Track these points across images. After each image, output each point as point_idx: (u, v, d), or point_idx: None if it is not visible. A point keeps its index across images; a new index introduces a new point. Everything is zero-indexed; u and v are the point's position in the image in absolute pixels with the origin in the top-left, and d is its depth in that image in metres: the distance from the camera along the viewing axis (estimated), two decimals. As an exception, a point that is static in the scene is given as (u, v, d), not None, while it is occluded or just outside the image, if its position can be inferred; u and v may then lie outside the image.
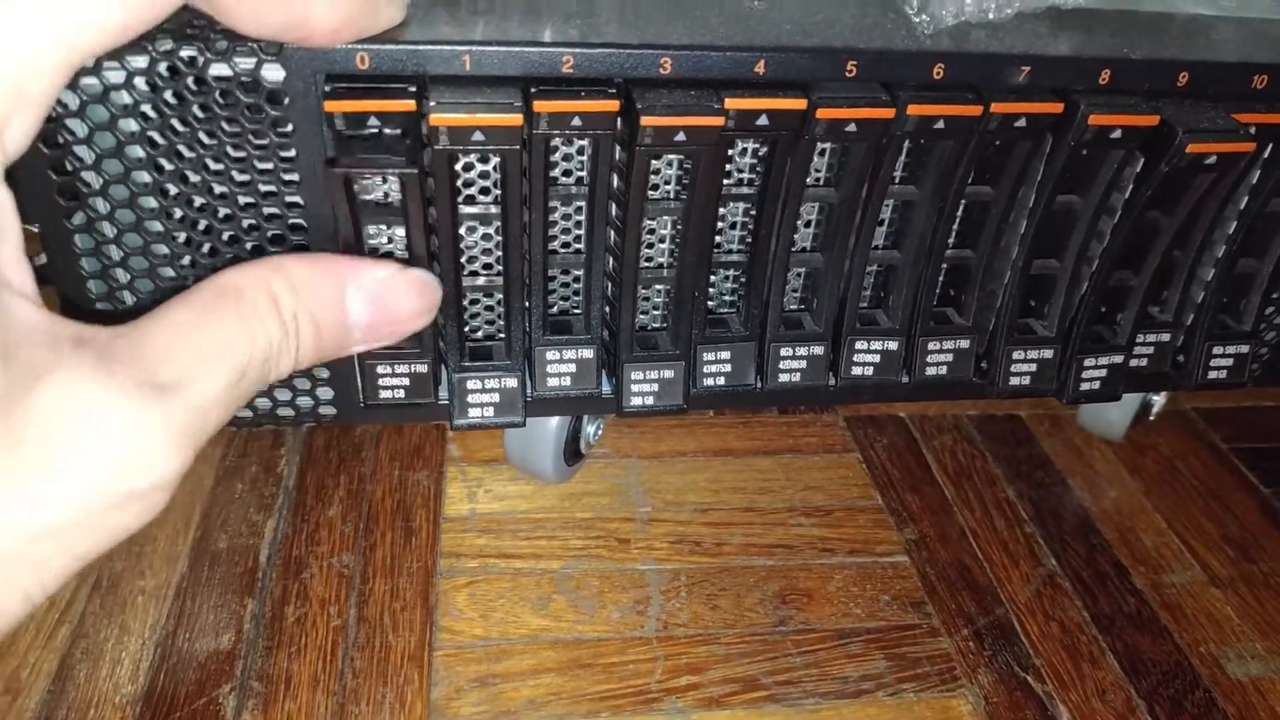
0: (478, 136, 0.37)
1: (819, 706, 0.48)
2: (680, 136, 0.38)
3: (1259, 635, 0.54)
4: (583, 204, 0.44)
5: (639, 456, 0.63)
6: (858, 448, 0.65)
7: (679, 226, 0.44)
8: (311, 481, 0.59)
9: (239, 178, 0.40)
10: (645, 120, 0.38)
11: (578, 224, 0.45)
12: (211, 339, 0.29)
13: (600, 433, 0.60)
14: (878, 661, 0.51)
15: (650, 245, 0.47)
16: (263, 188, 0.40)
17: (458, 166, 0.42)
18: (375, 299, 0.34)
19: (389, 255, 0.44)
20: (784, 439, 0.65)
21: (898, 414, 0.68)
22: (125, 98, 0.37)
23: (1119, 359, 0.50)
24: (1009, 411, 0.69)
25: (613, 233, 0.43)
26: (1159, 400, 0.64)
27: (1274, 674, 0.52)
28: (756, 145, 0.44)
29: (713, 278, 0.49)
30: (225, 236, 0.41)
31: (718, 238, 0.47)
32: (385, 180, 0.41)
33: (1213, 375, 0.52)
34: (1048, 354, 0.49)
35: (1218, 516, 0.63)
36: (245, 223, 0.41)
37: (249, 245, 0.41)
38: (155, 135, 0.38)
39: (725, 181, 0.45)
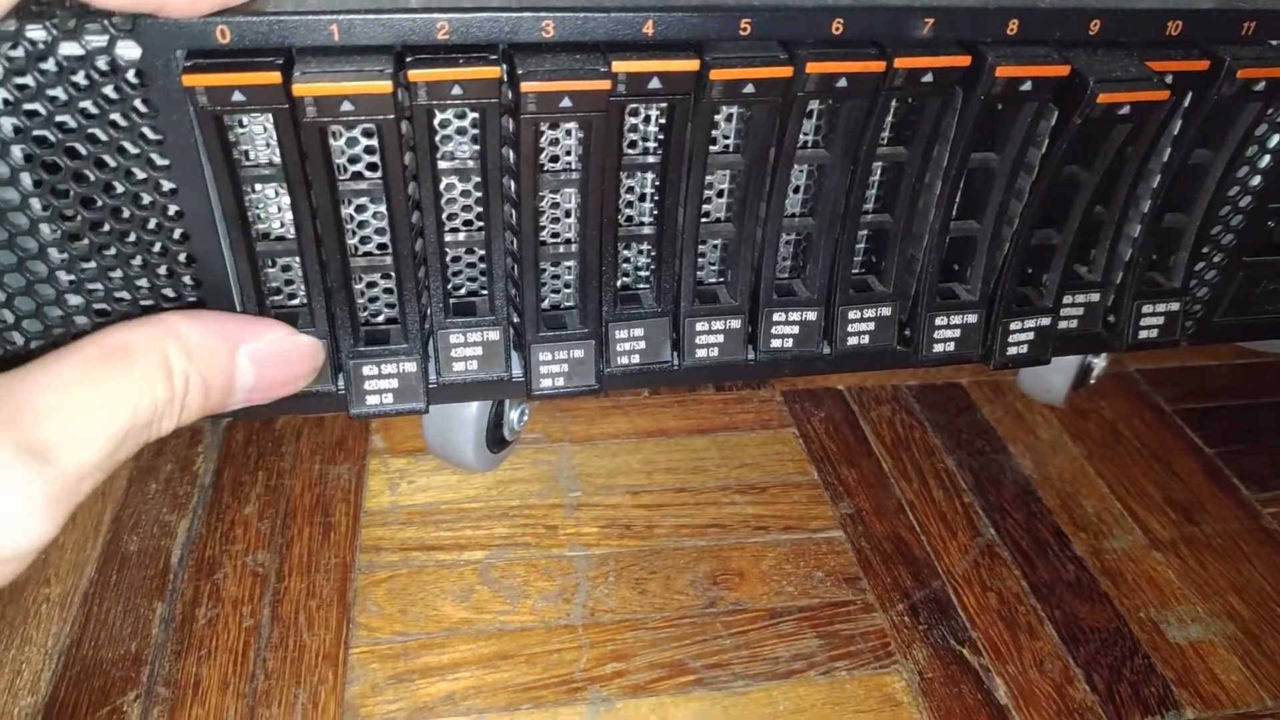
0: (347, 107, 0.35)
1: (748, 689, 0.47)
2: (566, 102, 0.37)
3: (1199, 598, 0.54)
4: (478, 178, 0.42)
5: (570, 440, 0.61)
6: (794, 422, 0.64)
7: (580, 200, 0.42)
8: (228, 479, 0.57)
9: (108, 163, 0.37)
10: (527, 86, 0.36)
11: (477, 200, 0.44)
12: (96, 400, 0.28)
13: (526, 418, 0.58)
14: (810, 640, 0.49)
15: (555, 220, 0.45)
16: (137, 174, 0.38)
17: (340, 141, 0.40)
18: (263, 363, 0.34)
19: (280, 238, 0.42)
20: (720, 417, 0.64)
21: (835, 386, 0.67)
22: (-28, 81, 0.35)
23: (1046, 321, 0.48)
24: (949, 380, 0.68)
25: (510, 209, 0.41)
26: (1100, 363, 0.63)
27: (1214, 636, 0.51)
28: (658, 113, 0.43)
29: (626, 252, 0.47)
30: (102, 228, 0.39)
31: (629, 210, 0.46)
32: (265, 130, 0.39)
33: (1144, 335, 0.50)
34: (972, 319, 0.47)
35: (1160, 479, 0.62)
36: (118, 209, 0.39)
37: (128, 237, 0.39)
38: (14, 122, 0.36)
39: (630, 150, 0.44)
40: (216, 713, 0.45)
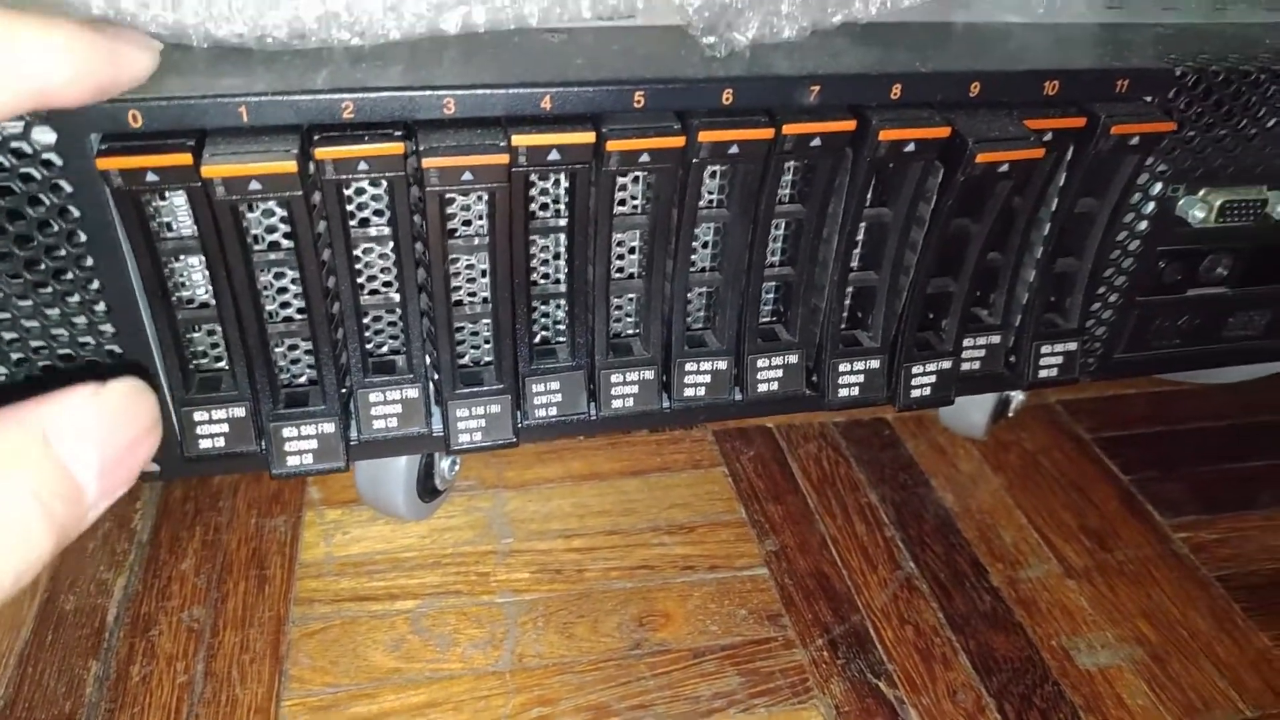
0: (255, 185, 0.36)
1: (671, 729, 0.48)
2: (468, 176, 0.38)
3: (1110, 624, 0.56)
4: (392, 244, 0.44)
5: (505, 486, 0.62)
6: (724, 461, 0.65)
7: (489, 263, 0.44)
8: (165, 535, 0.58)
9: (31, 240, 0.39)
10: (428, 162, 0.38)
11: (393, 263, 0.45)
12: None
13: (458, 467, 0.59)
14: (731, 679, 0.51)
15: (473, 280, 0.47)
16: (59, 250, 0.39)
17: (256, 213, 0.42)
18: (87, 437, 0.25)
19: (203, 304, 0.44)
20: (653, 458, 0.66)
21: (765, 424, 0.69)
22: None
23: (948, 364, 0.51)
24: (875, 415, 0.70)
25: (423, 271, 0.43)
26: (1019, 396, 0.66)
27: (1122, 661, 0.53)
28: (565, 177, 0.44)
29: (545, 306, 0.49)
30: (25, 300, 0.40)
31: (545, 267, 0.48)
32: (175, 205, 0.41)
33: (1044, 374, 0.53)
34: (874, 364, 0.49)
35: (1077, 507, 0.64)
36: (40, 284, 0.40)
37: (50, 309, 0.40)
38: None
39: (543, 213, 0.45)
40: (148, 770, 0.45)
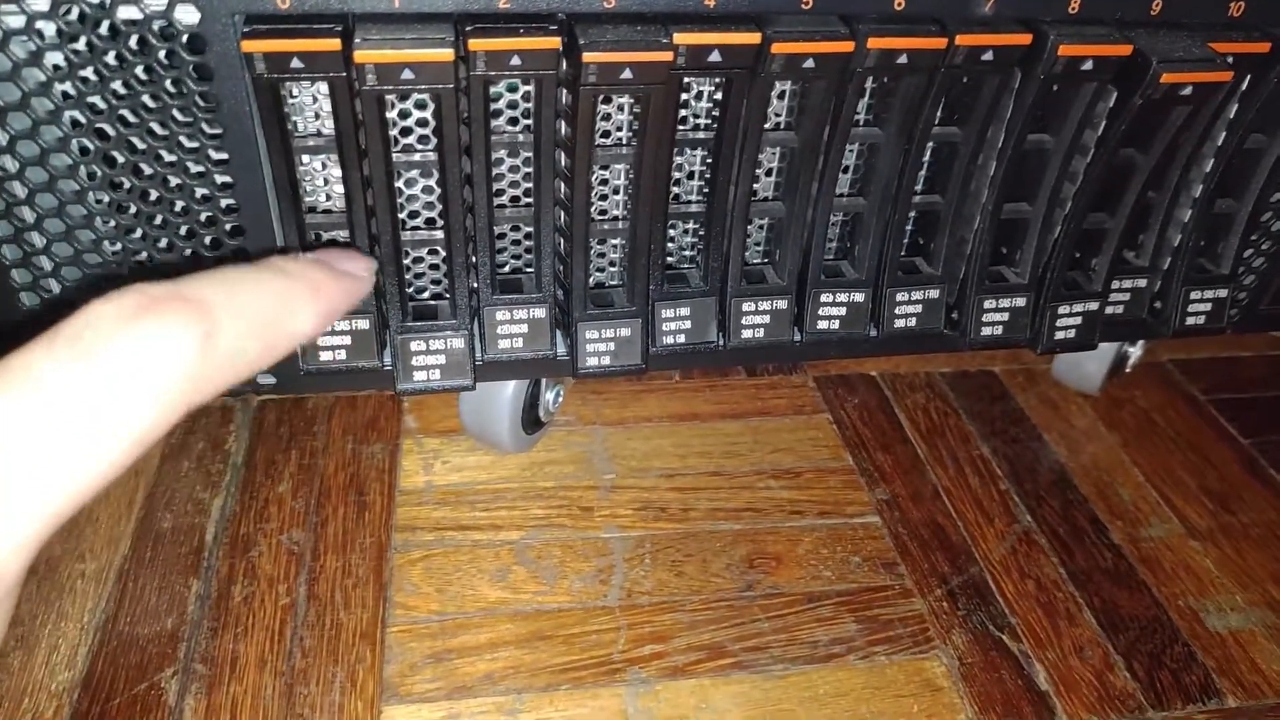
0: (407, 75, 0.34)
1: (787, 672, 0.46)
2: (626, 74, 0.36)
3: (1238, 587, 0.53)
4: (529, 153, 0.41)
5: (603, 423, 0.61)
6: (828, 408, 0.63)
7: (632, 175, 0.42)
8: (261, 457, 0.56)
9: (159, 132, 0.37)
10: (588, 57, 0.35)
11: (526, 176, 0.43)
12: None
13: (560, 399, 0.58)
14: (848, 625, 0.49)
15: (603, 197, 0.45)
16: (186, 144, 0.37)
17: (393, 113, 0.40)
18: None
19: (326, 210, 0.42)
20: (752, 402, 0.64)
21: (869, 373, 0.66)
22: (29, 45, 0.34)
23: (1094, 306, 0.48)
24: (983, 367, 0.68)
25: (562, 184, 0.41)
26: (1136, 351, 0.63)
27: (1254, 625, 0.51)
28: (711, 87, 0.42)
29: (671, 230, 0.47)
30: (151, 197, 0.38)
31: (675, 188, 0.45)
32: (315, 101, 0.38)
33: (1190, 321, 0.50)
34: (1020, 302, 0.47)
35: (1196, 468, 0.61)
36: (171, 181, 0.38)
37: (178, 205, 0.39)
38: (67, 90, 0.36)
39: (681, 126, 0.43)
40: (254, 690, 0.44)
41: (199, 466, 0.56)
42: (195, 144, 0.38)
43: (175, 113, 0.37)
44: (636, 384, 0.64)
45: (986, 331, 0.47)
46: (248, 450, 0.57)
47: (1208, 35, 0.42)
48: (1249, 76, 0.43)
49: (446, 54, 0.34)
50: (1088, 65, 0.40)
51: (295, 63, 0.35)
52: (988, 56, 0.39)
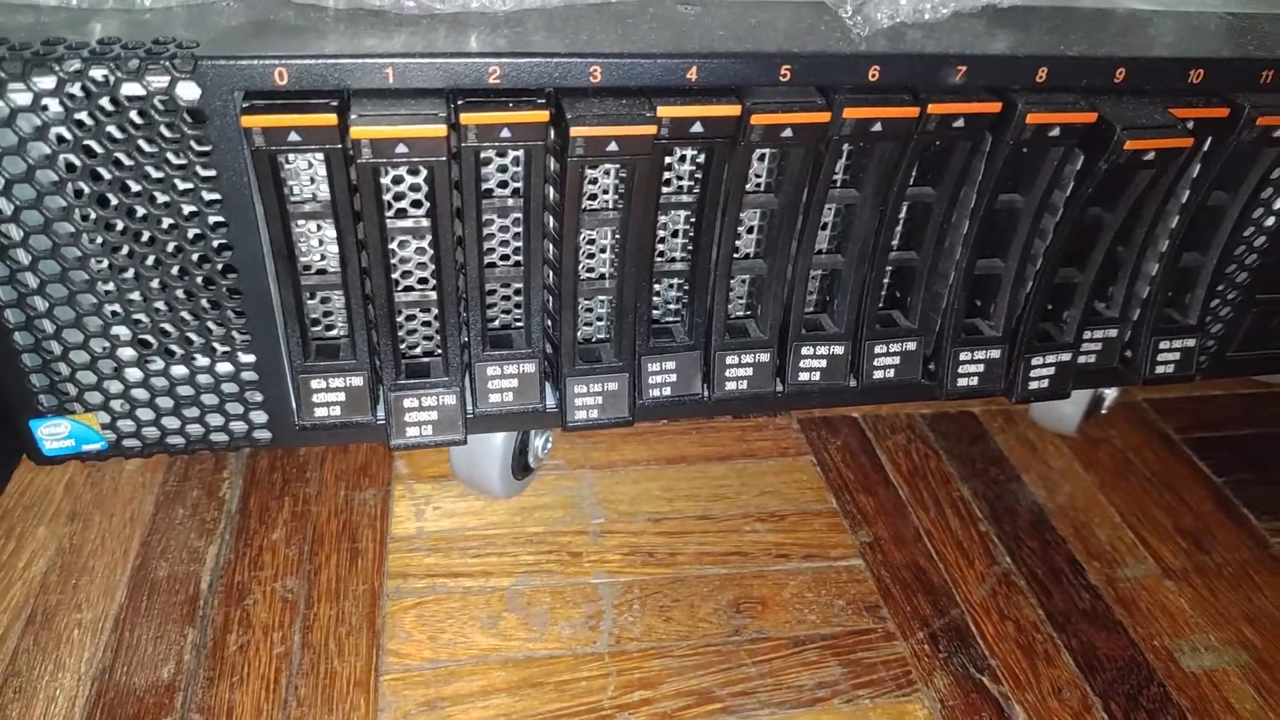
0: (401, 149, 0.36)
1: (774, 716, 0.48)
2: (613, 146, 0.38)
3: (1212, 626, 0.55)
4: (519, 216, 0.43)
5: (591, 467, 0.62)
6: (811, 450, 0.64)
7: (618, 237, 0.43)
8: (255, 505, 0.57)
9: (159, 199, 0.38)
10: (576, 131, 0.37)
11: (515, 236, 0.44)
12: None
13: (550, 445, 0.59)
14: (833, 668, 0.50)
15: (591, 256, 0.46)
16: (185, 209, 0.39)
17: (386, 179, 0.41)
18: None
19: (320, 271, 0.43)
20: (737, 444, 0.65)
21: (851, 415, 0.68)
22: (34, 120, 0.36)
23: (1067, 356, 0.50)
24: (962, 408, 0.69)
25: (550, 245, 0.42)
26: (1111, 393, 0.64)
27: (1227, 665, 0.52)
28: (694, 152, 0.44)
29: (656, 286, 0.48)
30: (148, 261, 0.40)
31: (660, 246, 0.47)
32: (310, 166, 0.40)
33: (1160, 370, 0.52)
34: (995, 354, 0.48)
35: (1171, 508, 0.63)
36: (168, 245, 0.39)
37: (173, 269, 0.40)
38: (70, 158, 0.37)
39: (665, 189, 0.44)
40: (251, 739, 0.45)
41: (194, 514, 0.57)
42: (194, 210, 0.39)
43: (175, 181, 0.38)
44: (623, 429, 0.65)
45: (963, 382, 0.48)
46: (241, 497, 0.58)
47: (1170, 100, 0.43)
48: (1209, 139, 0.45)
49: (440, 130, 0.36)
50: (1055, 131, 0.42)
51: (293, 136, 0.36)
52: (959, 124, 0.41)
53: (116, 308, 0.41)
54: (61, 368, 0.42)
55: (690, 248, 0.45)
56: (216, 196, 0.39)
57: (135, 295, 0.41)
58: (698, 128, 0.39)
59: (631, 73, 0.38)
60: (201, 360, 0.43)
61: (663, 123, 0.38)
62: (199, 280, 0.41)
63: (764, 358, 0.47)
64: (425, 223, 0.41)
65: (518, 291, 0.46)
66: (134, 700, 0.46)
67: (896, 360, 0.48)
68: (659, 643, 0.51)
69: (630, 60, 0.38)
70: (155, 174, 0.38)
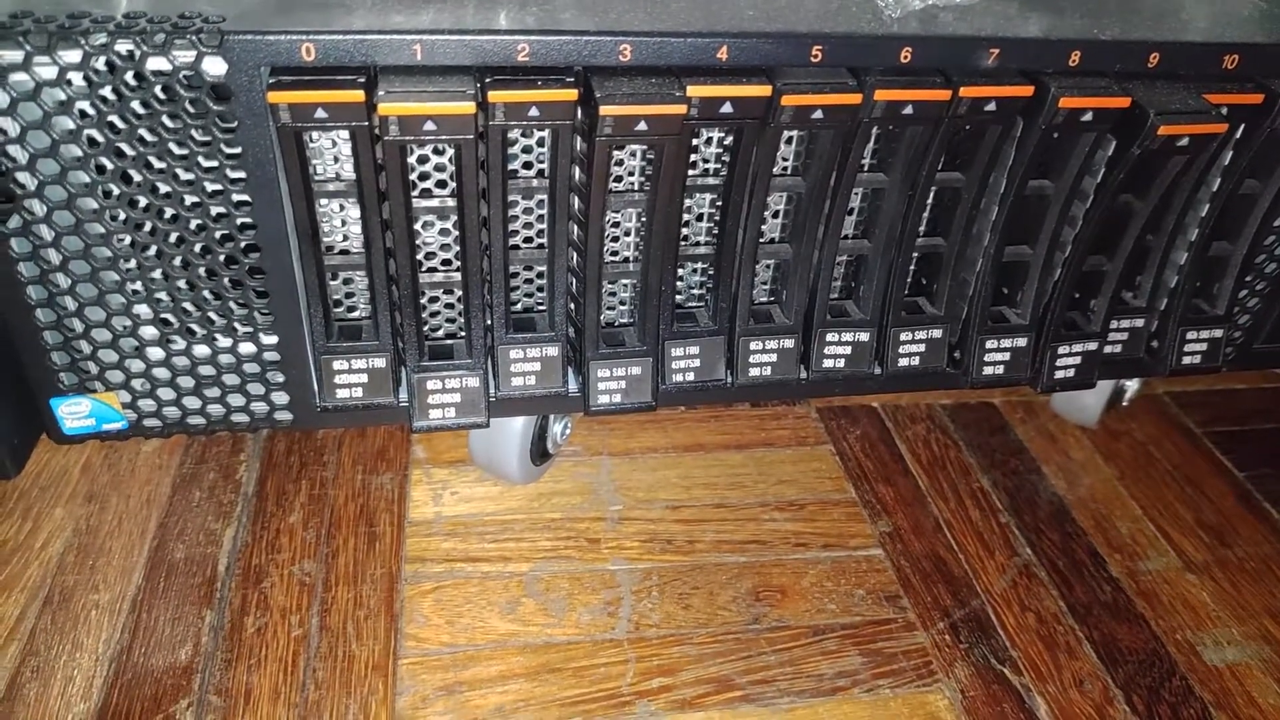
0: (429, 126, 0.35)
1: (794, 706, 0.47)
2: (642, 126, 0.37)
3: (1235, 620, 0.54)
4: (544, 197, 0.42)
5: (609, 454, 0.61)
6: (830, 440, 0.64)
7: (643, 219, 0.43)
8: (272, 488, 0.57)
9: (183, 176, 0.38)
10: (605, 109, 0.36)
11: (540, 218, 0.44)
12: None
13: (569, 431, 0.58)
14: (853, 658, 0.50)
15: (615, 239, 0.46)
16: (209, 186, 0.38)
17: (411, 159, 0.41)
18: None
19: (343, 251, 0.43)
20: (756, 433, 0.64)
21: (870, 404, 0.67)
22: (59, 94, 0.35)
23: (1093, 346, 0.49)
24: (982, 399, 0.69)
25: (575, 227, 0.42)
26: (1133, 385, 0.64)
27: (1250, 659, 0.52)
28: (721, 134, 0.43)
29: (681, 271, 0.48)
30: (171, 238, 0.39)
31: (685, 230, 0.46)
32: (335, 145, 0.39)
33: (1187, 360, 0.51)
34: (1021, 342, 0.48)
35: (1192, 501, 0.62)
36: (192, 223, 0.39)
37: (196, 247, 0.40)
38: (94, 134, 0.37)
39: (690, 172, 0.44)
40: (269, 721, 0.45)
41: (210, 496, 0.56)
42: (218, 188, 0.38)
43: (200, 159, 0.38)
44: (642, 415, 0.64)
45: (988, 370, 0.48)
46: (258, 480, 0.57)
47: (1203, 86, 0.43)
48: (1243, 125, 0.44)
49: (468, 107, 0.35)
50: (1088, 116, 0.41)
51: (319, 113, 0.36)
52: (990, 107, 0.41)
53: (138, 286, 0.41)
54: (83, 345, 0.42)
55: (716, 231, 0.45)
56: (241, 174, 0.38)
57: (157, 273, 0.41)
58: (727, 108, 0.38)
59: (661, 51, 0.38)
60: (223, 340, 0.43)
61: (692, 102, 0.37)
62: (222, 259, 0.40)
63: (788, 344, 0.47)
64: (450, 202, 0.41)
65: (541, 274, 0.46)
66: (152, 681, 0.46)
67: (922, 348, 0.48)
68: (678, 630, 0.50)
69: (660, 39, 0.37)
70: (179, 150, 0.37)
